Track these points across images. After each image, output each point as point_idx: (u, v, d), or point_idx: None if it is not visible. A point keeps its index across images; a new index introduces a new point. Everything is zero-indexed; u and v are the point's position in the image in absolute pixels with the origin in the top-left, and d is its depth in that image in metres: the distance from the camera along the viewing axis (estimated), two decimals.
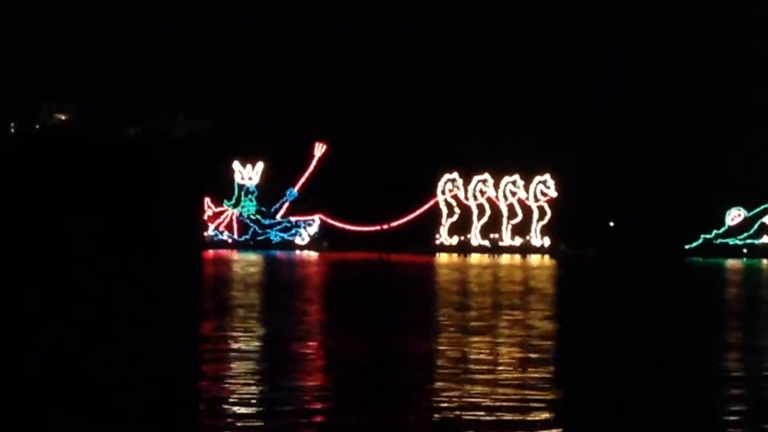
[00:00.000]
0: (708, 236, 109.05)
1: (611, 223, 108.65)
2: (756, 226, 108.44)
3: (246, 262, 77.66)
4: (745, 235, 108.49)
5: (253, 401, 18.62)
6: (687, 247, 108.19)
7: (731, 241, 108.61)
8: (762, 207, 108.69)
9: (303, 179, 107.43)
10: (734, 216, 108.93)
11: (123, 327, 29.91)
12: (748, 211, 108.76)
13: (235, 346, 26.19)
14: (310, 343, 27.16)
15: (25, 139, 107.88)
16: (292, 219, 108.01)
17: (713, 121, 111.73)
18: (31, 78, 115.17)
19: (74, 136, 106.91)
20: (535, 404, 18.55)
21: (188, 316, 34.61)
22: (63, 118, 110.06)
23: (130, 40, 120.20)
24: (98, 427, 16.62)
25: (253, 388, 19.97)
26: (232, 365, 22.76)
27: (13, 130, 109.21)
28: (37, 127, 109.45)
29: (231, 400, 18.62)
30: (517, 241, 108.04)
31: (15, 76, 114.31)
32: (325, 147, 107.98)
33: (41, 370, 21.49)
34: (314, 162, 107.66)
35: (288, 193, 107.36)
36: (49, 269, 62.61)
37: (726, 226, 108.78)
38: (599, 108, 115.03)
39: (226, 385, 20.04)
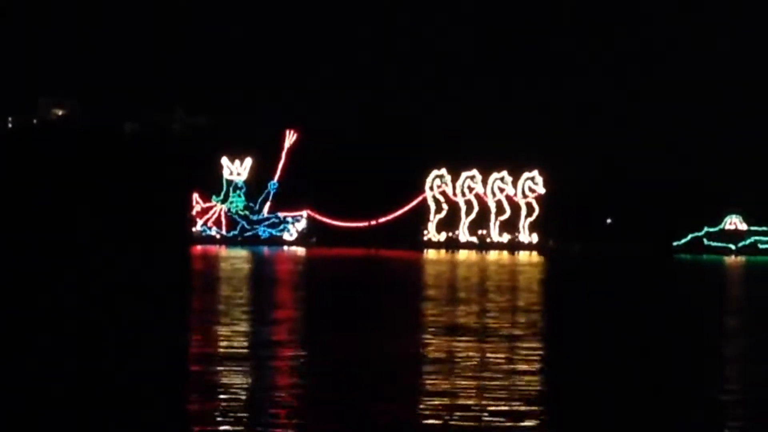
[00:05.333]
0: (698, 234, 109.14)
1: (608, 220, 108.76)
2: (749, 241, 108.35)
3: (234, 258, 77.55)
4: (740, 244, 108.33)
5: (239, 405, 18.56)
6: (675, 244, 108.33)
7: (721, 243, 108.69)
8: (762, 228, 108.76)
9: (279, 170, 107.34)
10: (731, 223, 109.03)
11: (109, 322, 29.79)
12: (747, 223, 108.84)
13: (221, 345, 26.12)
14: (297, 343, 27.11)
15: (23, 134, 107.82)
16: (280, 215, 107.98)
17: (702, 119, 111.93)
18: (29, 73, 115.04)
19: (72, 130, 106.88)
20: (524, 411, 18.51)
21: (175, 313, 34.53)
22: (60, 113, 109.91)
23: (128, 36, 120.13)
24: (85, 427, 16.56)
25: (240, 389, 19.90)
26: (218, 366, 22.67)
27: (11, 125, 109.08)
28: (35, 121, 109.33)
29: (217, 402, 18.56)
30: (505, 238, 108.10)
31: (13, 70, 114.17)
32: (295, 135, 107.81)
33: (25, 369, 21.41)
34: (285, 150, 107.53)
35: (270, 185, 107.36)
36: (42, 263, 62.48)
37: (720, 227, 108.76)
38: (588, 105, 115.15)
39: (212, 386, 19.98)
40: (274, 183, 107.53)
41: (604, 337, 29.79)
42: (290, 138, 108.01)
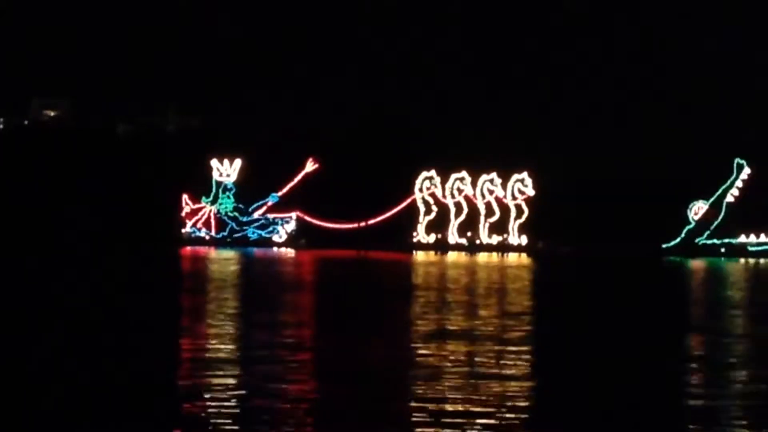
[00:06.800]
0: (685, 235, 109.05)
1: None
2: (724, 209, 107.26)
3: (224, 260, 77.52)
4: (715, 223, 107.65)
5: (231, 409, 18.59)
6: (665, 246, 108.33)
7: (708, 241, 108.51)
8: (721, 189, 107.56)
9: (287, 188, 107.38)
10: (696, 210, 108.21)
11: (101, 323, 29.76)
12: (707, 200, 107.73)
13: (213, 348, 26.13)
14: (288, 347, 27.11)
15: (15, 135, 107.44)
16: (270, 216, 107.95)
17: (692, 120, 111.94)
18: (20, 73, 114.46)
19: (64, 131, 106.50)
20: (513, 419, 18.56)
21: (166, 315, 34.50)
22: (53, 114, 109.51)
23: (121, 35, 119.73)
24: (80, 427, 16.59)
25: (231, 392, 19.92)
26: (210, 368, 22.68)
27: (2, 126, 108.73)
28: (26, 122, 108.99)
29: (209, 406, 18.59)
30: (495, 240, 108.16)
31: (4, 71, 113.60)
32: (316, 165, 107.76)
33: (14, 369, 21.40)
34: (302, 175, 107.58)
35: (271, 196, 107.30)
36: (31, 265, 62.39)
37: (693, 223, 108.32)
38: (576, 106, 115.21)
39: (204, 389, 19.99)
40: (275, 196, 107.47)
41: (593, 340, 29.85)
42: (311, 165, 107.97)
